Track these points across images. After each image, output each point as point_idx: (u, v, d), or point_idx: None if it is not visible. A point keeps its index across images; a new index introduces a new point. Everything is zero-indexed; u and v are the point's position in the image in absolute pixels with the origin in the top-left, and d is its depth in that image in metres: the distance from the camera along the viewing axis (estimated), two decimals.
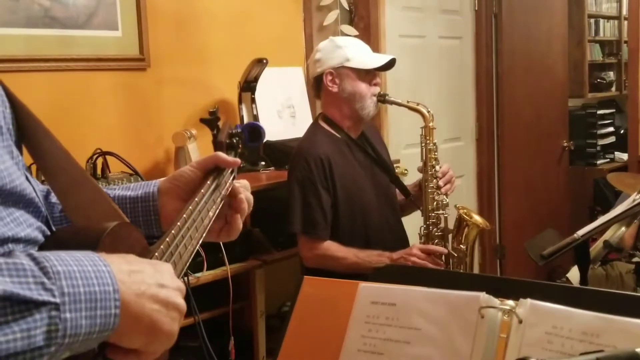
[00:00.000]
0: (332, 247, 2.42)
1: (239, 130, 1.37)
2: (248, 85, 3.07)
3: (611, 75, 6.47)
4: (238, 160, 1.17)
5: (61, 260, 0.70)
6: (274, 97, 3.29)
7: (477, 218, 2.48)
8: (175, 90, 2.99)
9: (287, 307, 3.03)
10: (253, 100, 3.09)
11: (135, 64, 2.84)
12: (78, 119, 2.67)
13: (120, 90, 2.82)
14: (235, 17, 3.20)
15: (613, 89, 6.43)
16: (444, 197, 2.46)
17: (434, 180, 2.46)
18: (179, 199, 1.12)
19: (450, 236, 2.46)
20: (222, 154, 1.16)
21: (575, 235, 2.14)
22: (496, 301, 1.08)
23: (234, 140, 1.33)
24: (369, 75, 2.48)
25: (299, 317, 1.23)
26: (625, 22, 5.89)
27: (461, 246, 2.43)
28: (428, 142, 2.49)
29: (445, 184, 2.46)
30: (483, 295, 1.09)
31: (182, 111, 3.01)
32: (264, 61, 3.03)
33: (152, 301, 0.77)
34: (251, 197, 1.19)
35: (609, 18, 6.47)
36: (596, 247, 2.45)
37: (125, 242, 0.87)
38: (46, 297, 0.66)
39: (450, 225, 2.49)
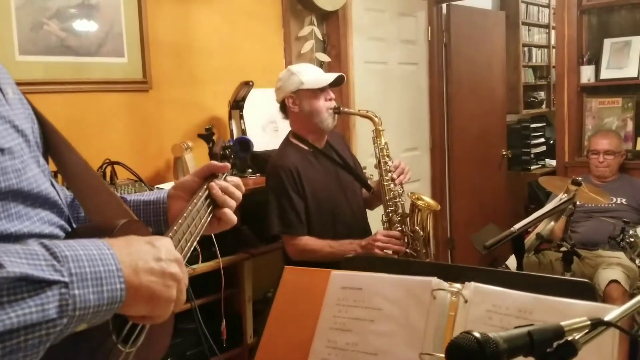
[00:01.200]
0: (309, 242, 2.42)
1: (231, 143, 1.37)
2: (237, 104, 3.06)
3: (542, 94, 6.54)
4: (227, 164, 1.17)
5: (69, 246, 0.71)
6: (259, 114, 3.28)
7: (427, 200, 2.45)
8: (174, 108, 2.97)
9: (271, 293, 3.01)
10: (241, 117, 3.09)
11: (139, 86, 2.81)
12: (90, 133, 2.64)
13: (126, 109, 2.80)
14: (225, 46, 3.20)
15: (543, 106, 6.50)
16: (399, 187, 2.45)
17: (389, 174, 2.44)
18: (182, 201, 1.12)
19: (408, 219, 2.47)
20: (214, 162, 1.17)
21: (512, 228, 2.17)
22: (446, 284, 1.09)
23: (227, 152, 1.34)
24: (322, 92, 2.48)
25: (280, 301, 1.23)
26: (554, 50, 5.98)
27: (416, 227, 2.43)
28: (379, 142, 2.49)
29: (399, 175, 2.45)
30: (435, 280, 1.10)
31: (179, 126, 2.99)
32: (250, 83, 3.02)
33: (148, 274, 0.77)
34: (224, 186, 1.14)
35: (540, 47, 6.55)
36: (530, 239, 2.48)
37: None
38: (56, 276, 0.67)
39: (407, 211, 2.47)
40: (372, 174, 2.91)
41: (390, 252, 2.34)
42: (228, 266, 2.70)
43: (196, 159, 2.85)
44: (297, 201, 2.41)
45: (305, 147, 2.52)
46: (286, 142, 2.58)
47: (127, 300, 0.74)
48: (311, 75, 2.50)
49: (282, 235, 2.46)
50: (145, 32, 2.79)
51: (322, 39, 3.65)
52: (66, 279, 0.67)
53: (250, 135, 3.06)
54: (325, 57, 3.63)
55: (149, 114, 2.88)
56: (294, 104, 2.49)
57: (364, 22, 3.93)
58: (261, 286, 3.02)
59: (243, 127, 3.10)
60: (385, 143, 2.48)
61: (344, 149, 2.70)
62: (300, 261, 2.43)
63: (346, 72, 3.62)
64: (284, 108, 2.56)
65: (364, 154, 3.79)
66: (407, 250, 2.38)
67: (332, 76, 2.50)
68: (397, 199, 2.44)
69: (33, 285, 0.65)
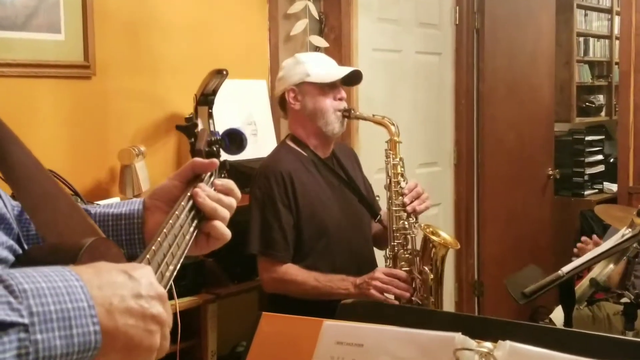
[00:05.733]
0: (290, 271, 2.47)
1: (218, 137, 1.37)
2: (205, 99, 3.06)
3: (601, 98, 6.59)
4: (214, 161, 1.16)
5: (27, 277, 0.70)
6: (234, 113, 3.28)
7: (444, 236, 2.50)
8: (124, 102, 2.97)
9: (242, 347, 3.00)
10: (210, 115, 3.08)
11: (79, 71, 2.82)
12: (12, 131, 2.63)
13: (61, 100, 2.80)
14: (193, 23, 3.21)
15: (602, 113, 6.55)
16: (411, 216, 2.50)
17: (400, 198, 2.50)
18: (161, 212, 1.13)
19: (418, 259, 2.50)
20: (198, 159, 1.17)
21: (559, 272, 2.17)
22: (473, 343, 1.09)
23: (214, 148, 1.33)
24: (332, 89, 2.56)
25: (255, 358, 1.23)
26: (617, 42, 6.04)
27: (425, 268, 2.46)
28: (393, 156, 2.55)
29: (411, 201, 2.49)
30: (458, 336, 1.09)
31: (130, 125, 2.99)
32: (224, 72, 3.02)
33: (126, 315, 0.76)
34: (212, 194, 1.13)
35: (599, 37, 6.61)
36: (582, 286, 2.48)
37: (104, 259, 0.85)
38: (14, 317, 0.66)
39: (418, 246, 2.52)
40: (378, 195, 2.93)
41: (391, 296, 2.37)
42: (187, 310, 2.69)
43: (151, 166, 2.85)
44: (285, 216, 2.47)
45: (305, 154, 2.59)
46: (282, 144, 2.68)
47: (101, 347, 0.73)
48: (321, 66, 2.58)
49: (260, 257, 2.52)
50: (90, 1, 2.79)
51: (318, 18, 3.68)
52: (25, 321, 0.66)
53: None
54: (321, 42, 3.65)
55: (90, 108, 2.88)
56: (294, 99, 2.57)
57: None
58: (229, 337, 3.01)
59: (212, 128, 3.10)
60: (401, 159, 2.55)
61: (354, 167, 2.78)
62: (276, 295, 2.51)
63: (348, 61, 3.63)
64: (283, 104, 2.64)
65: (369, 170, 3.79)
66: (413, 297, 2.43)
67: (345, 70, 2.59)
68: (408, 231, 2.50)
69: None
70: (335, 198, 2.59)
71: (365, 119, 2.62)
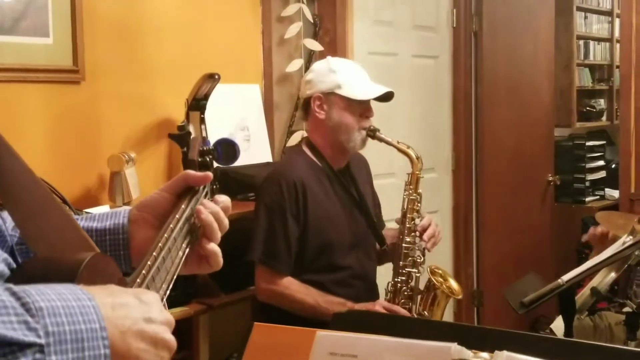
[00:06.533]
0: (291, 286, 2.47)
1: (210, 147, 1.36)
2: (197, 104, 3.06)
3: (601, 103, 6.59)
4: (209, 174, 1.15)
5: (43, 294, 0.70)
6: (227, 118, 3.28)
7: (451, 283, 2.55)
8: (113, 107, 2.97)
9: (234, 359, 2.99)
10: (202, 121, 3.08)
11: (68, 76, 2.81)
12: None
13: (49, 105, 2.79)
14: (184, 26, 3.21)
15: (604, 118, 6.56)
16: (420, 254, 2.54)
17: (412, 234, 2.53)
18: (149, 227, 1.11)
19: (419, 297, 2.53)
20: (191, 172, 1.15)
21: (559, 280, 2.17)
22: (469, 353, 1.09)
23: (207, 159, 1.32)
24: (361, 106, 2.55)
25: None
26: (618, 45, 6.05)
27: (425, 313, 2.49)
28: (412, 191, 2.57)
29: (429, 239, 2.54)
30: (455, 347, 1.10)
31: (120, 131, 2.98)
32: (216, 77, 3.02)
33: (138, 339, 0.77)
34: (216, 210, 1.13)
35: (599, 40, 6.63)
36: (583, 295, 2.48)
37: (102, 275, 0.86)
38: (31, 337, 0.66)
39: (421, 286, 2.57)
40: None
41: None
42: (178, 321, 2.66)
43: (142, 173, 2.84)
44: (293, 229, 2.47)
45: (319, 163, 2.59)
46: (297, 150, 2.68)
47: None
48: (354, 80, 2.56)
49: (259, 265, 2.51)
50: (79, 4, 2.79)
51: (312, 20, 3.68)
52: (42, 341, 0.67)
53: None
54: (316, 45, 3.65)
55: (79, 113, 2.87)
56: (320, 107, 2.55)
57: (368, 0, 3.97)
58: (221, 349, 3.00)
59: (204, 133, 3.09)
60: (419, 194, 2.57)
61: (366, 180, 2.77)
62: (269, 305, 2.51)
63: None
64: (306, 107, 2.63)
65: None
66: None
67: (379, 90, 2.57)
68: (414, 269, 2.52)
69: (2, 349, 0.64)
70: (345, 214, 2.59)
71: (389, 143, 2.59)
